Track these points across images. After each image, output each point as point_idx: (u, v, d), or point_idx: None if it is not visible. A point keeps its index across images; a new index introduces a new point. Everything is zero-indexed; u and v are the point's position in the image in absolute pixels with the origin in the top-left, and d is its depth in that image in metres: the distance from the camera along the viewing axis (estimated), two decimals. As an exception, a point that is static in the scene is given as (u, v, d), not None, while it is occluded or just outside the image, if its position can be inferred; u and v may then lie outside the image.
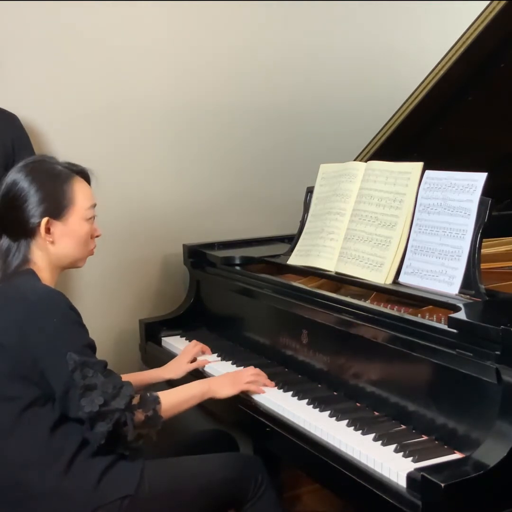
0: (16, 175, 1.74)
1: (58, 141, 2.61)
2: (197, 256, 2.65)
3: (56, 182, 1.75)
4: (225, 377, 1.96)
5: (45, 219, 1.72)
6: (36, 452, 1.63)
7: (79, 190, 1.77)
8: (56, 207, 1.73)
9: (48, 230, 1.73)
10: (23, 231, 1.73)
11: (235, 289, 2.39)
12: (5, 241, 1.75)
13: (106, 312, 2.73)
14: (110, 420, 1.58)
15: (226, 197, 2.98)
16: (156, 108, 2.81)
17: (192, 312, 2.63)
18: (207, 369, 2.19)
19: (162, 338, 2.54)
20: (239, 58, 2.94)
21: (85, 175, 1.83)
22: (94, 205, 1.81)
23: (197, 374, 2.18)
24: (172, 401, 1.77)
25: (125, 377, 1.73)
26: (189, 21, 2.83)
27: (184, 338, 2.48)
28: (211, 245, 2.67)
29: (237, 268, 2.43)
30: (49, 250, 1.74)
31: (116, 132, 2.74)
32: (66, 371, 1.58)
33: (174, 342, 2.46)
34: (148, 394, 1.72)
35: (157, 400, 1.71)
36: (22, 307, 1.65)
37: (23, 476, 1.62)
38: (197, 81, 2.87)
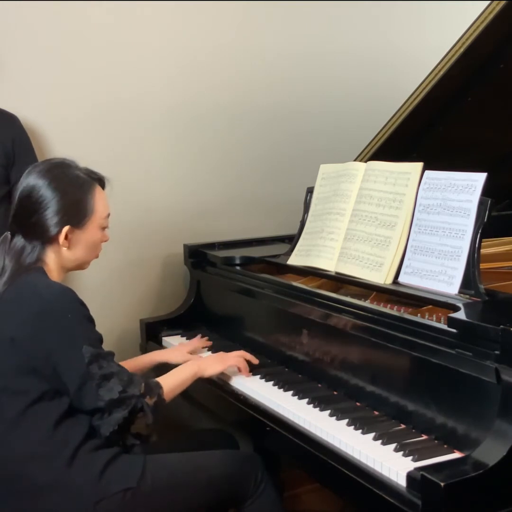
0: (38, 181, 1.75)
1: (58, 141, 2.61)
2: (197, 256, 2.66)
3: (80, 191, 1.78)
4: (211, 356, 2.07)
5: (67, 228, 1.75)
6: (40, 444, 1.64)
7: (99, 199, 1.81)
8: (78, 216, 1.77)
9: (66, 237, 1.76)
10: (41, 236, 1.75)
11: (235, 289, 2.39)
12: (20, 240, 1.76)
13: (107, 311, 2.72)
14: (127, 406, 1.64)
15: (226, 198, 2.98)
16: (156, 109, 2.80)
17: (192, 312, 2.63)
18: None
19: (163, 337, 2.54)
20: (239, 58, 2.94)
21: (102, 184, 1.86)
22: (109, 215, 1.85)
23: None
24: (170, 385, 1.83)
25: (123, 364, 1.82)
26: (189, 20, 2.82)
27: (185, 337, 2.49)
28: (212, 245, 2.67)
29: (238, 268, 2.43)
30: (62, 254, 1.78)
31: (117, 133, 2.74)
32: (82, 364, 1.62)
33: (175, 342, 2.46)
34: (149, 380, 1.77)
35: (159, 385, 1.77)
36: (36, 302, 1.67)
37: (27, 468, 1.64)
38: (197, 82, 2.87)
